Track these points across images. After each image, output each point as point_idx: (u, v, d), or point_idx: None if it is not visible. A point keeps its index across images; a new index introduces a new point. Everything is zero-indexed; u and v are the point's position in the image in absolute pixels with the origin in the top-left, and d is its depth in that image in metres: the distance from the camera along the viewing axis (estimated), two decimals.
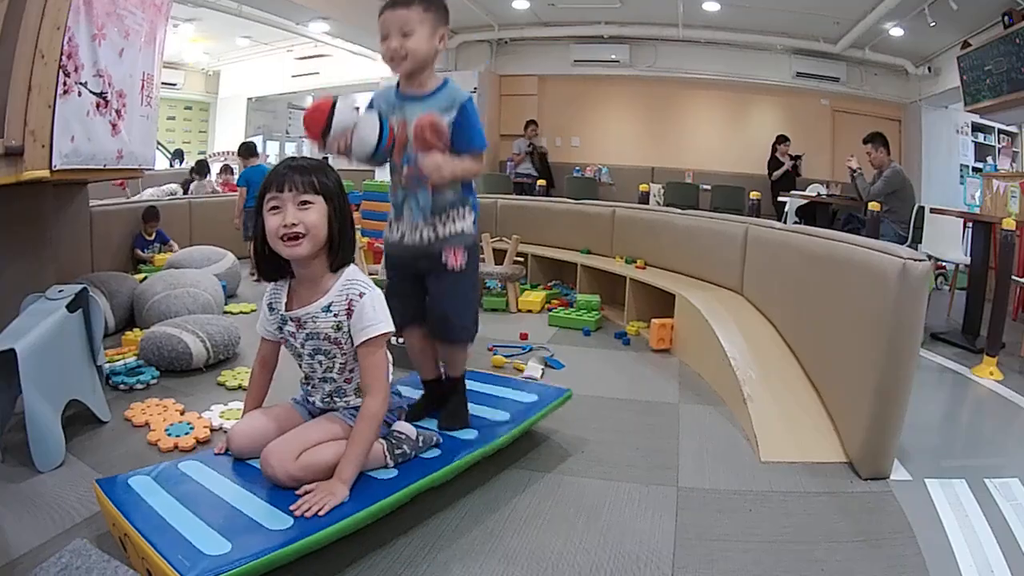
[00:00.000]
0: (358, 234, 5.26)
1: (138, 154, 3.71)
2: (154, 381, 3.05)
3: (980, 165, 10.25)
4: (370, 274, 3.28)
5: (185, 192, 7.76)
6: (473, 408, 2.43)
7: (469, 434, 2.25)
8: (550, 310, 4.74)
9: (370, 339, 1.86)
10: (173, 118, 13.19)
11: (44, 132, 2.81)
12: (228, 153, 11.34)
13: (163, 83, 4.73)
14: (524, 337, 4.09)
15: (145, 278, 4.26)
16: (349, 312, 1.87)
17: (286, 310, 1.93)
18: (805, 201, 7.60)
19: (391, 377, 2.04)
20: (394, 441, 2.00)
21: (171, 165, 10.95)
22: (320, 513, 1.66)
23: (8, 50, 2.68)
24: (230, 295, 4.90)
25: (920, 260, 2.24)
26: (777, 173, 9.27)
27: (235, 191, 7.31)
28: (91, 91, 3.10)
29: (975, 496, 2.24)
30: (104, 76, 3.20)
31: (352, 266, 1.94)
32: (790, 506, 2.14)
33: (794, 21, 9.16)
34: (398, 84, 2.21)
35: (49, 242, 3.63)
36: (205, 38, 11.48)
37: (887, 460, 2.38)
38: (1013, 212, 4.66)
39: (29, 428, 2.11)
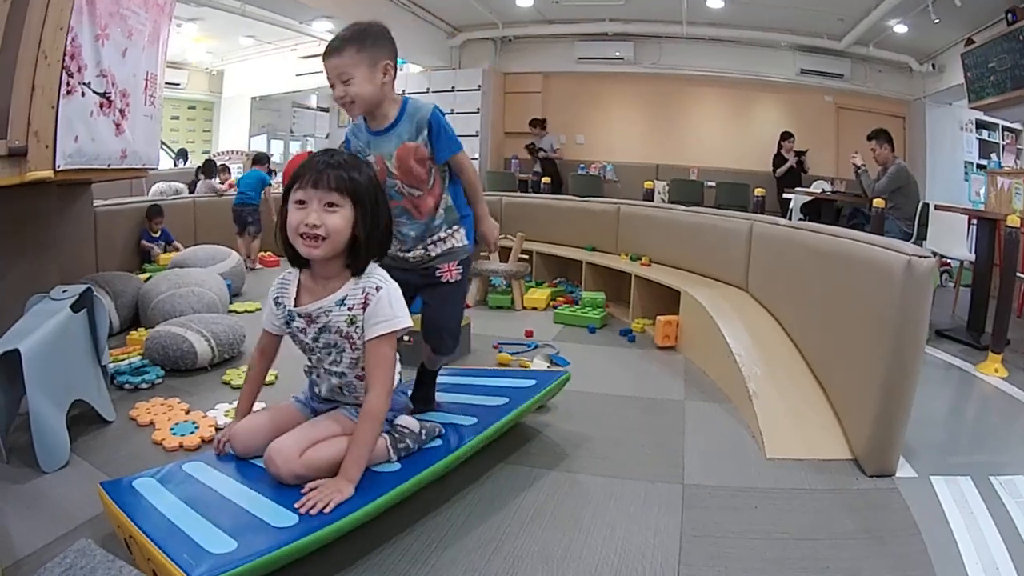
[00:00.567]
0: None
1: (142, 154, 3.71)
2: (159, 380, 3.05)
3: (984, 162, 10.22)
4: None
5: (191, 191, 7.78)
6: (472, 397, 2.47)
7: (469, 420, 2.26)
8: (555, 307, 4.74)
9: (383, 335, 1.85)
10: (177, 118, 13.20)
11: (47, 132, 2.81)
12: (233, 152, 11.36)
13: (167, 83, 4.74)
14: (529, 335, 4.09)
15: (150, 277, 4.27)
16: (364, 305, 1.84)
17: (295, 305, 1.90)
18: (810, 198, 7.59)
19: (400, 377, 2.04)
20: (397, 436, 2.00)
21: (175, 165, 10.96)
22: (325, 510, 1.65)
23: (11, 51, 2.69)
24: (235, 294, 4.90)
25: (925, 256, 2.23)
26: (781, 170, 9.26)
27: (232, 188, 7.41)
28: (94, 91, 3.11)
29: (980, 493, 2.24)
30: (107, 76, 3.20)
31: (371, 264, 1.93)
32: (795, 503, 2.13)
33: (798, 18, 9.15)
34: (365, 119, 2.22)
35: (53, 242, 3.64)
36: (209, 37, 11.48)
37: (893, 457, 2.37)
38: (1018, 209, 4.64)
39: (34, 428, 2.11)
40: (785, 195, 8.40)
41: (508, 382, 2.63)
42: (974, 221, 4.98)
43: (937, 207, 5.33)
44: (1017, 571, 1.80)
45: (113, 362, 3.08)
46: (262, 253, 6.67)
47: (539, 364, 3.43)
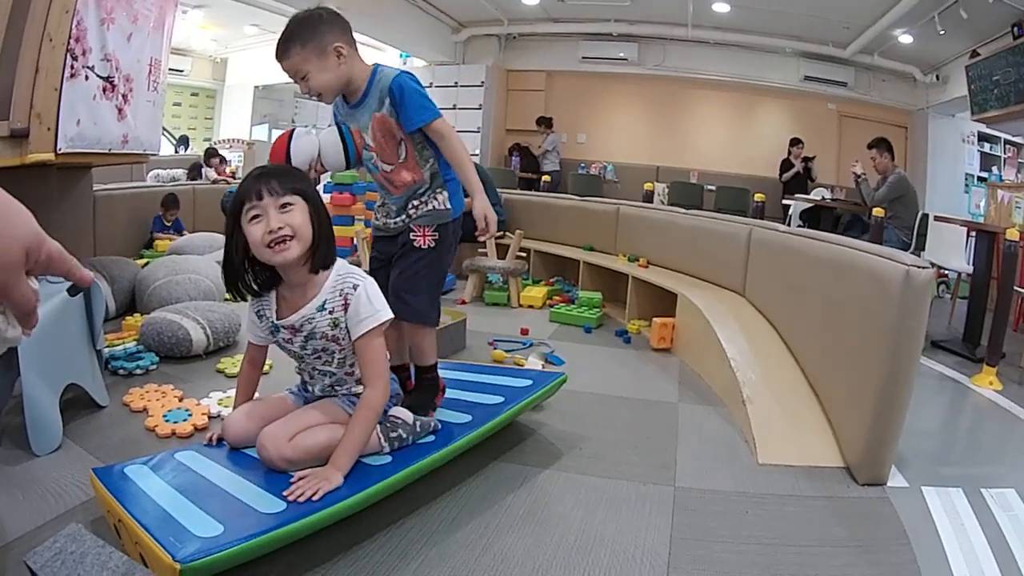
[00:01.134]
0: (360, 225, 5.25)
1: (143, 139, 3.71)
2: (153, 367, 3.04)
3: (985, 175, 10.24)
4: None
5: (193, 178, 7.78)
6: (468, 394, 2.46)
7: (463, 417, 2.26)
8: (552, 306, 4.74)
9: (368, 331, 1.85)
10: (179, 104, 13.15)
11: (50, 115, 2.81)
12: (234, 141, 11.34)
13: (170, 69, 4.73)
14: (525, 332, 4.08)
15: (147, 263, 4.26)
16: (345, 306, 1.85)
17: (277, 319, 1.89)
18: (809, 205, 7.60)
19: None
20: (389, 425, 2.00)
21: (176, 151, 10.94)
22: (314, 499, 1.65)
23: (16, 32, 2.68)
24: None
25: (923, 267, 2.23)
26: (787, 175, 9.28)
27: (223, 176, 7.43)
28: (98, 75, 3.10)
29: (971, 505, 2.24)
30: (111, 60, 3.20)
31: (340, 260, 1.91)
32: (786, 509, 2.14)
33: (803, 25, 9.15)
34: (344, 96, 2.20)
35: (52, 226, 3.58)
36: (214, 25, 11.46)
37: (885, 466, 2.37)
38: (1017, 223, 4.65)
39: (27, 411, 2.11)
40: (784, 201, 8.42)
41: (504, 381, 2.63)
42: (973, 233, 4.99)
43: (937, 218, 5.34)
44: None
45: (108, 347, 3.08)
46: None
47: (534, 362, 3.43)
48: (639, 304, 4.50)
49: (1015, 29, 6.99)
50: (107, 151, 3.33)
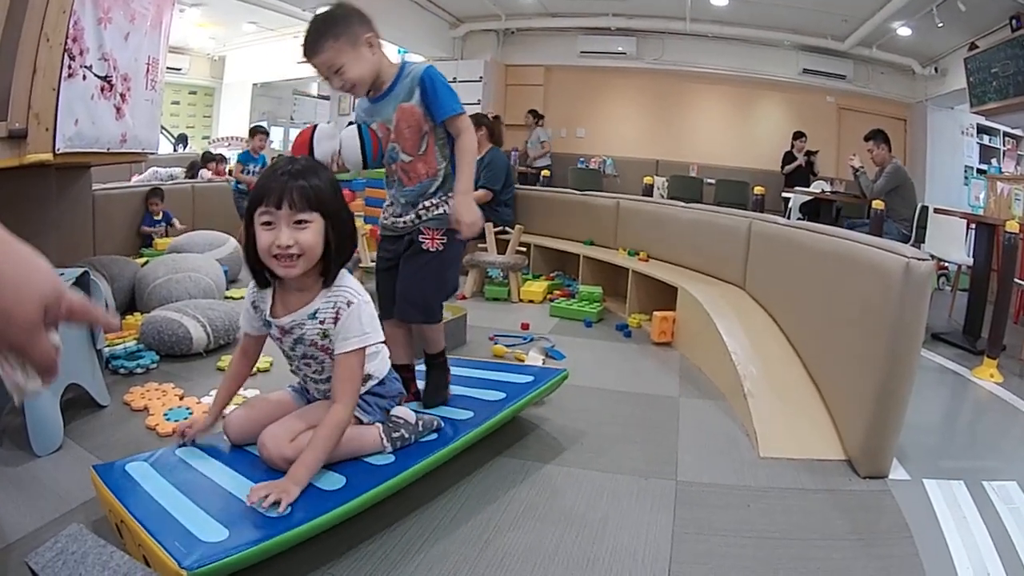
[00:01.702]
0: (360, 221, 5.25)
1: (142, 138, 3.70)
2: (154, 365, 3.04)
3: (984, 167, 10.23)
4: (372, 262, 3.27)
5: (191, 177, 7.78)
6: (469, 390, 2.46)
7: (465, 414, 2.26)
8: (552, 301, 4.73)
9: (352, 350, 1.82)
10: (178, 103, 13.14)
11: (48, 115, 2.80)
12: (232, 139, 11.33)
13: (168, 68, 4.72)
14: (525, 327, 4.09)
15: (147, 262, 4.26)
16: (336, 319, 1.82)
17: (271, 315, 1.88)
18: (809, 197, 7.60)
19: (390, 363, 2.05)
20: (391, 425, 2.00)
21: (175, 150, 10.94)
22: (279, 509, 1.58)
23: (13, 32, 2.68)
24: (232, 280, 4.89)
25: (923, 259, 2.23)
26: (788, 168, 9.27)
27: (221, 176, 7.43)
28: (96, 75, 3.10)
29: (973, 498, 2.24)
30: (109, 60, 3.19)
31: (345, 273, 1.89)
32: (788, 503, 2.14)
33: (802, 18, 9.14)
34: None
35: (51, 225, 3.63)
36: (211, 23, 11.44)
37: (886, 459, 2.37)
38: (1017, 215, 4.64)
39: (27, 411, 2.11)
40: (784, 194, 8.41)
41: (506, 377, 2.63)
42: (973, 225, 4.98)
43: (936, 210, 5.33)
44: None
45: (108, 346, 3.07)
46: None
47: (535, 357, 3.43)
48: (639, 298, 4.50)
49: (1013, 22, 6.99)
50: (105, 150, 3.33)
